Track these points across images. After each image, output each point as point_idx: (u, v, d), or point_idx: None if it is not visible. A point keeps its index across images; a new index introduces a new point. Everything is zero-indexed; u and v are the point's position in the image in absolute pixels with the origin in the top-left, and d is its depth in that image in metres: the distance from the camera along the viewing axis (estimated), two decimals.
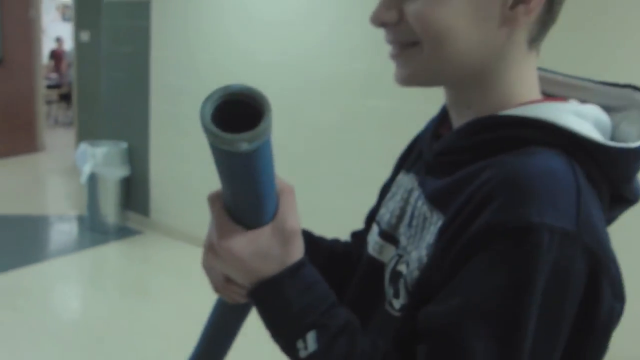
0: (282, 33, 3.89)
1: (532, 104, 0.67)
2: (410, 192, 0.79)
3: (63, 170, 7.20)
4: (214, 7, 4.25)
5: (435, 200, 0.70)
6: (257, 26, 4.02)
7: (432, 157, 0.75)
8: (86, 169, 4.74)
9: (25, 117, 7.86)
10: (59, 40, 11.78)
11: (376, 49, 3.80)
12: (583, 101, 0.71)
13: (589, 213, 0.57)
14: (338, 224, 3.60)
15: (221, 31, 4.24)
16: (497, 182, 0.58)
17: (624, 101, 0.71)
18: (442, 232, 0.63)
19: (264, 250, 0.63)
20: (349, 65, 3.59)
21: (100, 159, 4.74)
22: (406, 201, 0.79)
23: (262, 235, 0.64)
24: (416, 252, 0.69)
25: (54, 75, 11.16)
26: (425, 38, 0.64)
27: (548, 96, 0.74)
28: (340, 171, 3.76)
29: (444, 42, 0.64)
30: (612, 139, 0.68)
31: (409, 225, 0.74)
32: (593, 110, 0.67)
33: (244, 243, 0.63)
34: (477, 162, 0.64)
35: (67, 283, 4.13)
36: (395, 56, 0.70)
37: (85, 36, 6.77)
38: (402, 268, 0.71)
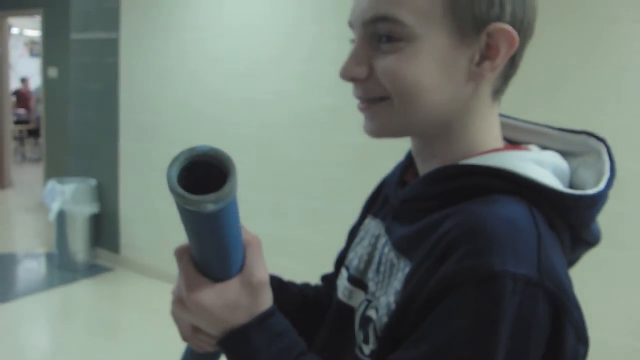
0: (250, 69, 3.94)
1: (494, 152, 0.70)
2: (377, 237, 0.81)
3: (31, 207, 7.08)
4: (182, 43, 4.29)
5: (401, 247, 0.71)
6: (225, 63, 4.07)
7: (398, 203, 0.76)
8: (55, 206, 4.68)
9: None
10: (24, 80, 11.67)
11: (344, 85, 3.81)
12: (543, 147, 0.75)
13: (550, 259, 0.58)
14: (307, 258, 3.63)
15: (189, 68, 4.28)
16: (459, 231, 0.59)
17: (580, 147, 0.74)
18: (408, 278, 0.65)
19: (232, 302, 0.65)
20: (317, 101, 3.63)
21: (69, 196, 4.69)
22: (374, 247, 0.81)
23: (231, 288, 0.65)
24: (384, 297, 0.70)
25: (22, 111, 11.04)
26: (396, 94, 0.67)
27: (510, 142, 0.77)
28: (309, 206, 3.77)
29: (414, 98, 0.66)
30: (571, 184, 0.71)
31: (377, 271, 0.76)
32: (552, 157, 0.70)
33: (212, 296, 0.64)
34: (441, 210, 0.66)
35: (36, 323, 4.04)
36: (364, 109, 0.72)
37: (53, 72, 6.74)
38: (372, 313, 0.72)
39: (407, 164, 0.84)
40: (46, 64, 6.85)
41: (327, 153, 3.64)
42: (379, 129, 0.71)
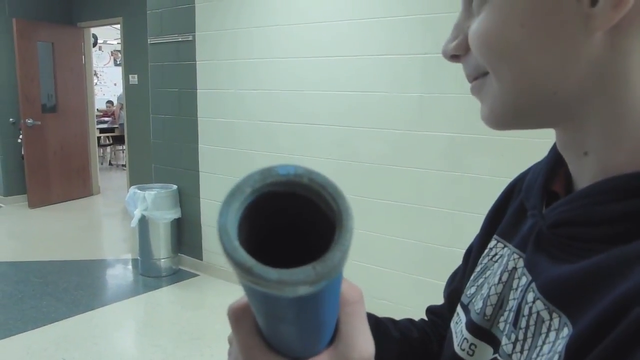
0: (330, 62, 3.76)
1: None
2: (511, 273, 0.57)
3: (117, 213, 7.23)
4: (259, 37, 4.16)
5: (555, 297, 0.48)
6: (304, 53, 3.91)
7: (547, 227, 0.52)
8: (136, 213, 4.68)
9: (80, 161, 7.97)
10: (109, 102, 12.18)
11: (429, 76, 3.67)
12: None
13: None
14: (397, 257, 3.41)
15: (268, 62, 4.13)
16: None
17: None
18: (572, 349, 0.42)
19: None
20: (400, 94, 3.42)
21: (150, 202, 4.67)
22: (507, 286, 0.57)
23: None
24: None
25: (108, 118, 11.38)
26: (488, 64, 0.49)
27: None
28: (396, 204, 3.57)
29: (511, 65, 0.48)
30: None
31: (515, 324, 0.52)
32: None
33: None
34: (623, 243, 0.43)
35: (120, 330, 4.04)
36: (473, 92, 0.55)
37: (133, 79, 6.84)
38: None
39: (554, 164, 0.58)
40: (127, 71, 6.95)
41: (413, 148, 3.43)
42: (488, 113, 0.53)
